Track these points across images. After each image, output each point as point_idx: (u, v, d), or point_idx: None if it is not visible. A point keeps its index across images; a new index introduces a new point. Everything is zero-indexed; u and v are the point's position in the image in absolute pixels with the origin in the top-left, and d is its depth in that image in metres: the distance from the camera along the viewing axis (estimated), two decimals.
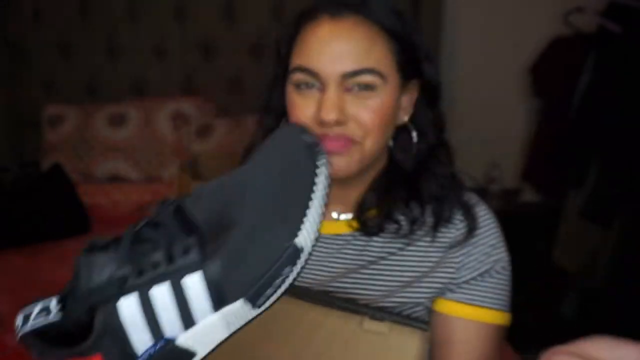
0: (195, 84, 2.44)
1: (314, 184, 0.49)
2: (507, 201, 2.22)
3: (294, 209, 0.48)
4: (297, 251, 0.48)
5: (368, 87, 0.65)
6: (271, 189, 0.48)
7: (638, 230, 1.57)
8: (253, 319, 0.50)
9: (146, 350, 0.46)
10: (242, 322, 0.50)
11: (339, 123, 0.64)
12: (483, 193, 2.22)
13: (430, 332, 0.73)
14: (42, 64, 2.45)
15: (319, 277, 0.74)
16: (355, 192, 0.73)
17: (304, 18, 0.68)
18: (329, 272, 0.73)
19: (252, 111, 2.37)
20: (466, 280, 0.69)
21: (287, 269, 0.48)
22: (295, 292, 0.64)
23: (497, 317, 0.69)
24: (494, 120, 2.36)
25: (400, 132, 0.72)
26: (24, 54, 2.45)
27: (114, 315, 0.44)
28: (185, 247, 0.46)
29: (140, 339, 0.45)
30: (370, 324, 0.60)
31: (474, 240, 0.69)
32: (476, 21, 2.31)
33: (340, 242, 0.74)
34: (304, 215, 0.48)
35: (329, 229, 0.75)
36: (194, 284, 0.46)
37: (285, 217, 0.47)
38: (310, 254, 0.49)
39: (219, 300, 0.47)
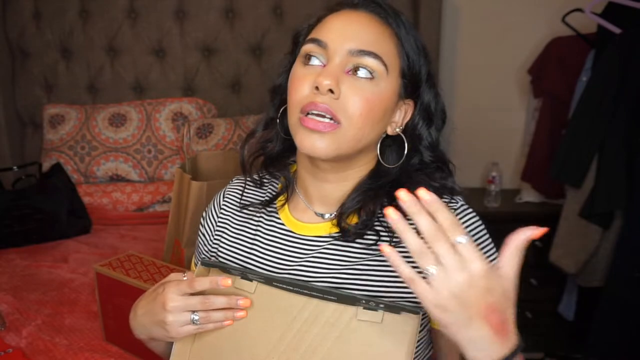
0: (195, 84, 2.44)
1: None
2: (507, 201, 2.22)
3: None
4: None
5: (369, 74, 0.66)
6: None
7: (638, 230, 1.57)
8: None
9: None
10: None
11: (331, 93, 0.65)
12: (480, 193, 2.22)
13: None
14: (42, 64, 2.45)
15: (298, 277, 0.73)
16: (338, 192, 0.74)
17: (326, 12, 0.73)
18: (308, 272, 0.73)
19: (252, 111, 2.37)
20: None
21: None
22: (291, 285, 0.65)
23: None
24: (494, 120, 2.36)
25: (391, 141, 0.73)
26: (24, 54, 2.45)
27: None
28: None
29: None
30: (364, 314, 0.62)
31: None
32: (476, 21, 2.31)
33: (321, 243, 0.74)
34: None
35: (311, 230, 0.75)
36: None
37: None
38: None
39: None
